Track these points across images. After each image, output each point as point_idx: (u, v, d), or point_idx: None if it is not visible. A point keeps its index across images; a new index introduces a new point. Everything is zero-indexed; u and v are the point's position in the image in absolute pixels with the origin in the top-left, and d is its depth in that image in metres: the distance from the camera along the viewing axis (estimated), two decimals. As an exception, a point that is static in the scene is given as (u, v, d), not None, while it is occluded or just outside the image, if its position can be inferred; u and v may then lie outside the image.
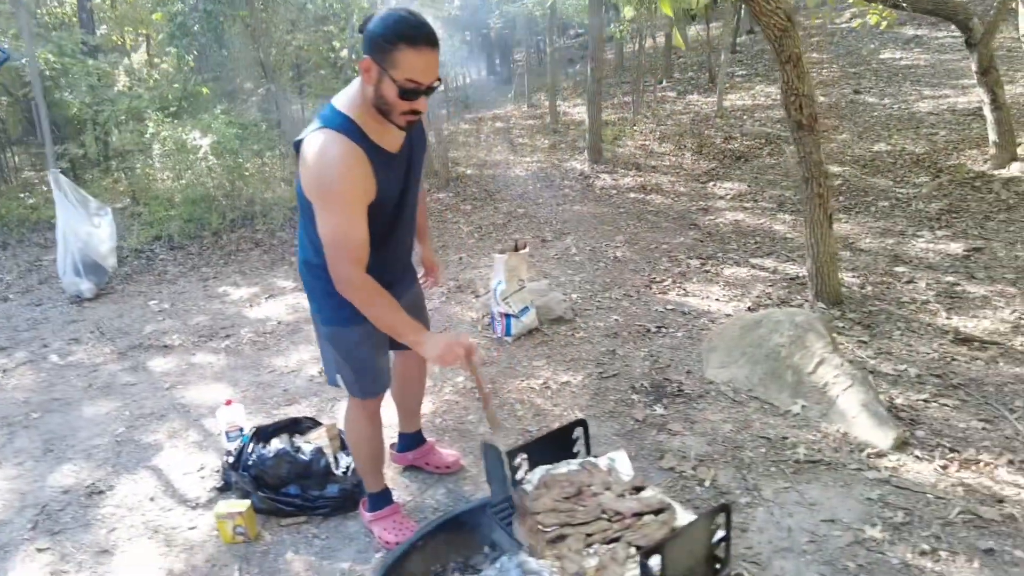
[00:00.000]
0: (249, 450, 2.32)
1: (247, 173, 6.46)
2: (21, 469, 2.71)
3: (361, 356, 1.91)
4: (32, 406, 3.27)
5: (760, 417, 2.63)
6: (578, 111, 9.67)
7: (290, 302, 4.53)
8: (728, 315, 3.62)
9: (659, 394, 2.86)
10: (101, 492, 2.50)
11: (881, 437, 2.39)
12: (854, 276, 4.01)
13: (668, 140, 7.82)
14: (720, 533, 1.50)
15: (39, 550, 2.21)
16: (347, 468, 2.40)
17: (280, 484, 2.24)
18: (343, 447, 2.55)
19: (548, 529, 1.60)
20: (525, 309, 3.54)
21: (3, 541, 2.27)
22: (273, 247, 5.81)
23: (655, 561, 1.35)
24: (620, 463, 1.82)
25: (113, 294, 4.96)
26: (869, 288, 3.83)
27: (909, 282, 3.87)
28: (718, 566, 1.51)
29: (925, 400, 2.69)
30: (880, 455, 2.35)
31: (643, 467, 2.37)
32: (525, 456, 1.81)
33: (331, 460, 2.34)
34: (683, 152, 7.40)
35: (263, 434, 2.40)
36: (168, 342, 3.96)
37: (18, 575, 2.11)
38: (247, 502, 2.16)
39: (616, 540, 1.54)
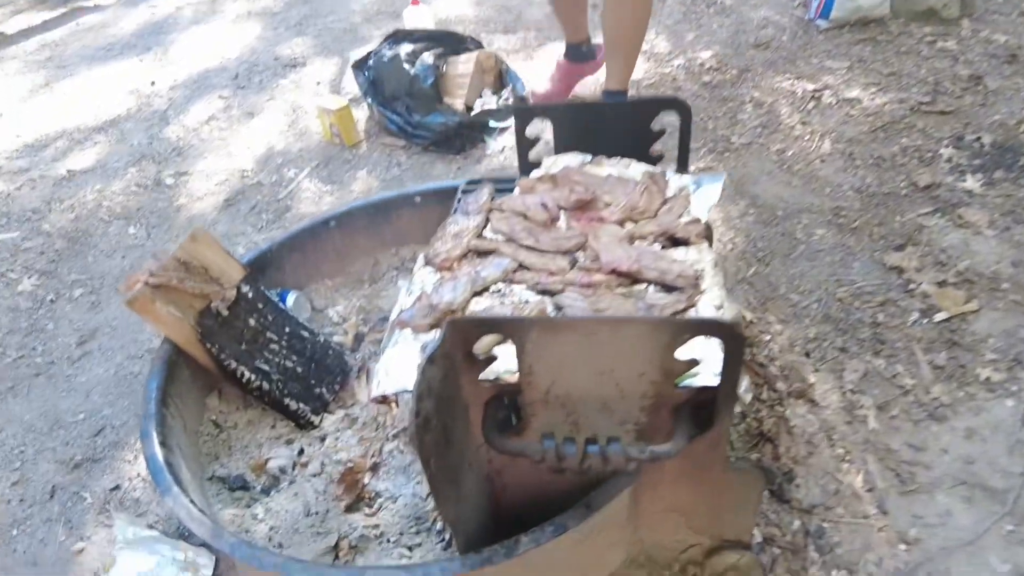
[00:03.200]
0: (377, 51, 1.96)
1: None
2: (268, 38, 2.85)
3: None
4: None
5: None
6: None
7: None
8: None
9: (1000, 162, 1.57)
10: (295, 66, 2.50)
11: None
12: None
13: None
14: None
15: (220, 97, 2.35)
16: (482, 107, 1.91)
17: (390, 97, 1.89)
18: (495, 90, 2.03)
19: (484, 237, 0.95)
20: (870, -19, 2.19)
21: (209, 83, 2.46)
22: None
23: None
24: (704, 194, 0.97)
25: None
26: None
27: None
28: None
29: None
30: None
31: (847, 242, 1.36)
32: (549, 124, 1.07)
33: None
34: None
35: (400, 38, 1.99)
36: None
37: (196, 108, 2.30)
38: (344, 101, 1.89)
39: (553, 294, 0.83)
